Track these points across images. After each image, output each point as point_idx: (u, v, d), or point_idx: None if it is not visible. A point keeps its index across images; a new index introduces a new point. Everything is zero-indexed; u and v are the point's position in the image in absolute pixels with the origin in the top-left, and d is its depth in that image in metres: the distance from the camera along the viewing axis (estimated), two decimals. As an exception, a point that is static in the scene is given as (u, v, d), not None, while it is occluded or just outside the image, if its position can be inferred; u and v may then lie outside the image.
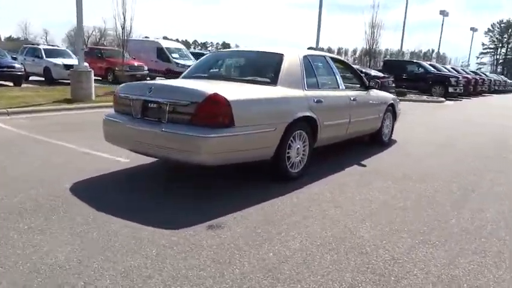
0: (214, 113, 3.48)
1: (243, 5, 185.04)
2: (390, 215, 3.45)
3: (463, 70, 25.78)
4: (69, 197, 3.61)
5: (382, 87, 14.27)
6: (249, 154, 3.75)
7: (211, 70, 4.94)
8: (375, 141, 6.40)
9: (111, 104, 10.79)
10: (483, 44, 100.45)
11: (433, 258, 2.68)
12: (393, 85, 15.16)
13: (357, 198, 3.86)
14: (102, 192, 3.80)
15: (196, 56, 24.26)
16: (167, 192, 3.87)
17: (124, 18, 12.85)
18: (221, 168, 3.85)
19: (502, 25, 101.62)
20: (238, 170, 4.40)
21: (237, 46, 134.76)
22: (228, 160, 3.63)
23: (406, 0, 27.65)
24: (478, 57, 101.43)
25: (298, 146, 4.24)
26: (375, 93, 6.02)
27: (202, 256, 2.59)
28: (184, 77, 4.87)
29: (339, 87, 5.15)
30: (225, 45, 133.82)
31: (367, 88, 5.79)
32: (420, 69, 18.92)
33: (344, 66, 5.41)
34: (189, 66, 21.06)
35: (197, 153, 3.47)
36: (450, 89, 18.27)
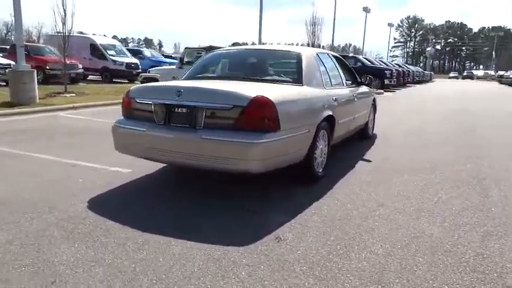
0: (261, 117, 3.26)
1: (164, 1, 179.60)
2: (437, 208, 3.53)
3: (390, 63, 27.63)
4: (96, 218, 3.16)
5: None
6: (287, 158, 3.59)
7: (224, 70, 4.64)
8: (361, 136, 6.55)
9: (63, 106, 9.94)
10: (394, 39, 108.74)
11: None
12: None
13: (391, 194, 3.90)
14: (128, 210, 3.39)
15: (133, 52, 23.03)
16: (201, 203, 3.56)
17: (64, 11, 11.64)
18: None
19: (409, 20, 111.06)
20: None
21: (159, 41, 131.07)
22: (272, 166, 3.43)
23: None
24: (390, 51, 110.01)
25: (321, 146, 4.17)
26: (364, 88, 6.15)
27: (298, 272, 2.41)
28: (192, 78, 4.51)
29: (343, 84, 5.16)
30: (147, 40, 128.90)
31: (358, 84, 5.90)
32: (358, 63, 19.92)
33: (340, 62, 5.44)
34: (128, 63, 20.04)
35: (246, 161, 3.23)
36: (386, 81, 19.55)
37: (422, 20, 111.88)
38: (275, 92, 3.47)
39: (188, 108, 3.44)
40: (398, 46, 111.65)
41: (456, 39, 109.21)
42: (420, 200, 3.75)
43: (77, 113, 9.30)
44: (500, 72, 45.65)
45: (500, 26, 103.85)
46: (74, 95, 11.91)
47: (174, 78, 11.28)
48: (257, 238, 2.86)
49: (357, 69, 19.74)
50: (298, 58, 4.28)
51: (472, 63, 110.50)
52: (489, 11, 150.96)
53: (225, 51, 5.21)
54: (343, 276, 2.39)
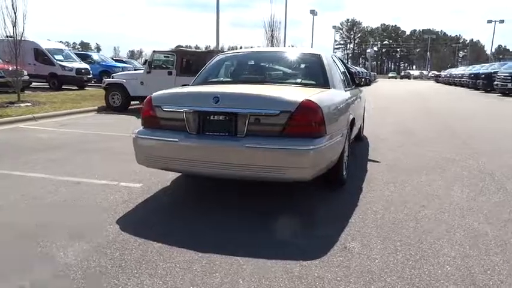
0: (309, 122, 3.12)
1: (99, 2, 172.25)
2: (472, 206, 3.60)
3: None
4: (138, 241, 2.84)
5: None
6: (330, 163, 3.47)
7: (242, 74, 4.41)
8: (356, 137, 6.60)
9: (22, 117, 9.08)
10: (335, 41, 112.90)
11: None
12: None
13: (421, 194, 3.93)
14: (164, 228, 3.09)
15: (80, 57, 21.70)
16: (238, 216, 3.34)
17: (15, 13, 10.61)
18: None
19: (348, 23, 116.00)
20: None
21: (97, 45, 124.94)
22: (319, 173, 3.29)
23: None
24: (334, 53, 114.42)
25: (347, 148, 4.12)
26: (360, 89, 6.22)
27: (390, 282, 2.31)
28: (204, 83, 4.24)
29: (350, 85, 5.15)
30: (83, 44, 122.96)
31: (357, 85, 5.94)
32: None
33: (341, 63, 5.43)
34: (78, 69, 18.87)
35: (297, 169, 3.07)
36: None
37: (360, 23, 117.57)
38: (317, 96, 3.35)
39: (227, 115, 3.21)
40: (339, 48, 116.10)
41: (391, 41, 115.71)
42: (452, 199, 3.80)
43: (40, 124, 8.52)
44: (436, 72, 49.00)
45: (430, 29, 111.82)
46: (29, 104, 10.92)
47: (142, 84, 10.78)
48: (324, 249, 2.73)
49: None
50: (320, 60, 4.19)
51: (406, 64, 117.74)
52: (418, 15, 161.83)
53: (238, 54, 4.98)
54: (437, 282, 2.32)
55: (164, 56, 11.33)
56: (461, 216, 3.36)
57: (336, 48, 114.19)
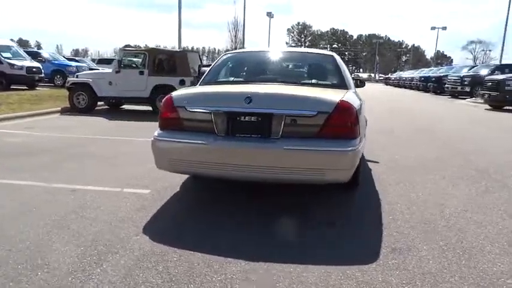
0: (346, 123, 3.06)
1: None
2: (488, 203, 3.72)
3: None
4: (175, 252, 2.64)
5: None
6: (358, 164, 3.44)
7: (258, 74, 4.23)
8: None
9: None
10: (287, 43, 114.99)
11: None
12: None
13: (435, 193, 4.01)
14: (195, 237, 2.90)
15: (30, 55, 20.26)
16: (263, 220, 3.21)
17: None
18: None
19: (299, 27, 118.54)
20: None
21: (37, 43, 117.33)
22: (352, 175, 3.24)
23: (244, 2, 29.48)
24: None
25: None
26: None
27: (458, 283, 2.31)
28: (213, 83, 4.05)
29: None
30: (22, 42, 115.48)
31: (357, 86, 5.98)
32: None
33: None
34: (28, 67, 17.67)
35: (336, 170, 3.00)
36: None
37: (311, 27, 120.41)
38: (347, 96, 3.29)
39: (260, 116, 3.07)
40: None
41: (340, 45, 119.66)
42: (465, 197, 3.92)
43: (3, 127, 7.81)
44: (384, 75, 51.23)
45: (375, 34, 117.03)
46: (-18, 105, 9.99)
47: (110, 84, 10.24)
48: (374, 252, 2.68)
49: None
50: (335, 60, 4.16)
51: (354, 67, 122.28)
52: (364, 20, 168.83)
53: (249, 53, 4.78)
54: (498, 280, 2.35)
55: (134, 55, 10.84)
56: (484, 213, 3.46)
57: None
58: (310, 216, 3.35)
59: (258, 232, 2.99)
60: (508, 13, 27.35)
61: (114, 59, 28.97)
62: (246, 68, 4.36)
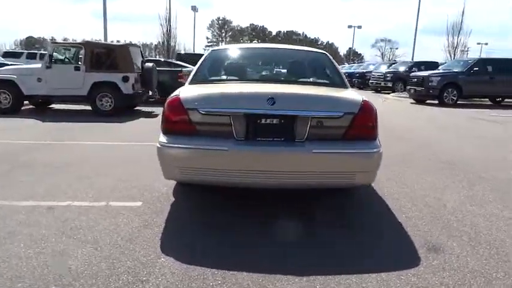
0: (370, 124, 2.99)
1: None
2: (479, 195, 3.94)
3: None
4: (221, 275, 2.37)
5: None
6: None
7: (257, 72, 3.96)
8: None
9: None
10: (207, 38, 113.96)
11: None
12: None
13: (428, 189, 4.15)
14: (225, 253, 2.65)
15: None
16: (278, 229, 3.06)
17: None
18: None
19: (219, 22, 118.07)
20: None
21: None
22: None
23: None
24: (204, 50, 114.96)
25: None
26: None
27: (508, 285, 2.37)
28: (205, 81, 3.73)
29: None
30: None
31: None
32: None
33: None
34: None
35: (365, 173, 2.93)
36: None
37: (231, 22, 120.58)
38: (362, 96, 3.23)
39: (283, 119, 2.88)
40: (211, 45, 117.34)
41: (259, 41, 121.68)
42: (457, 190, 4.11)
43: None
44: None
45: (293, 31, 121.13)
46: None
47: (39, 81, 9.15)
48: (411, 255, 2.67)
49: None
50: (330, 59, 4.07)
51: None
52: (282, 17, 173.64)
53: (241, 49, 4.42)
54: (541, 274, 2.46)
55: (67, 49, 9.79)
56: (480, 205, 3.66)
57: (208, 46, 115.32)
58: (322, 220, 3.25)
59: (285, 242, 2.81)
60: (417, 16, 30.04)
61: (24, 52, 26.26)
62: (242, 66, 4.08)
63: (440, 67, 17.03)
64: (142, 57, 10.51)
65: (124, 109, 9.51)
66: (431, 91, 13.97)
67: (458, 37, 25.18)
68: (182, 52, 23.50)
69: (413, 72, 17.28)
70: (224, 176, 2.88)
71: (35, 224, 3.01)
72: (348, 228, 3.11)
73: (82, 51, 9.21)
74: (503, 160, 5.56)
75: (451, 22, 30.45)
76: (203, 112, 2.89)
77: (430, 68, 18.59)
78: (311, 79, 3.87)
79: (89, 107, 9.47)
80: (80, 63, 9.26)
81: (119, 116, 9.01)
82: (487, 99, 15.77)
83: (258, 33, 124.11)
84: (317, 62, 4.16)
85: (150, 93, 10.56)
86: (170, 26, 19.54)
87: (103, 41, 18.82)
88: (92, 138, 6.50)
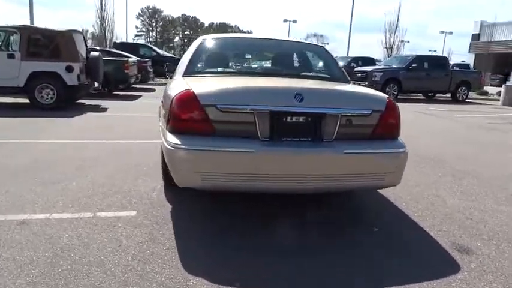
0: (395, 122, 2.85)
1: None
2: (478, 191, 4.04)
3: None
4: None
5: (143, 70, 13.82)
6: None
7: (257, 64, 3.61)
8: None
9: None
10: (137, 27, 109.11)
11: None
12: (151, 70, 14.89)
13: (422, 185, 4.18)
14: (254, 268, 2.37)
15: None
16: (293, 237, 2.85)
17: None
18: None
19: (150, 11, 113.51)
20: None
21: None
22: None
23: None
24: (134, 39, 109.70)
25: None
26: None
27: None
28: (199, 73, 3.35)
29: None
30: None
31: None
32: (153, 52, 18.97)
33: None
34: None
35: (395, 173, 2.78)
36: (182, 72, 19.66)
37: (161, 11, 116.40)
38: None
39: (311, 116, 2.64)
40: (141, 35, 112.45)
41: (192, 32, 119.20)
42: (449, 186, 4.19)
43: None
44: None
45: (225, 23, 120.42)
46: None
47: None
48: (444, 257, 2.61)
49: (154, 59, 19.05)
50: (328, 52, 3.89)
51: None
52: (213, 8, 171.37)
53: (234, 39, 4.02)
54: None
55: (-2, 33, 8.53)
56: (477, 201, 3.74)
57: (138, 35, 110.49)
58: (341, 228, 3.09)
59: (315, 253, 2.59)
60: (352, 12, 31.25)
61: None
62: (241, 58, 3.74)
63: (382, 62, 17.86)
64: (86, 45, 9.56)
65: (66, 102, 8.57)
66: (374, 86, 14.54)
67: (394, 34, 26.75)
68: (117, 41, 22.01)
69: (351, 66, 17.94)
70: (250, 181, 2.57)
71: (13, 245, 2.47)
72: (368, 233, 2.97)
73: (17, 37, 8.09)
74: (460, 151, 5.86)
75: (388, 21, 32.01)
76: (223, 109, 2.54)
77: (366, 63, 19.46)
78: (312, 73, 3.65)
79: (26, 100, 8.37)
80: (13, 50, 8.14)
81: (64, 110, 8.10)
82: (421, 94, 16.87)
83: (190, 24, 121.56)
84: (317, 55, 3.96)
85: (96, 85, 9.66)
86: (104, 12, 18.14)
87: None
88: (43, 136, 5.71)
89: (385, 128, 2.80)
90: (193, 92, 2.59)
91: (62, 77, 8.15)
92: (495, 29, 29.75)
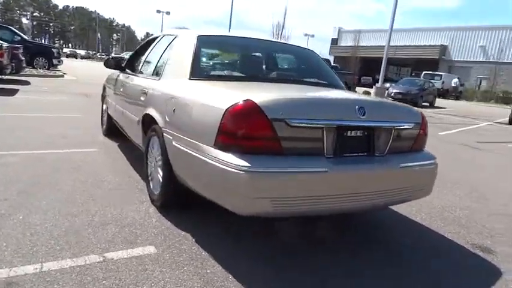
0: (426, 134, 2.92)
1: None
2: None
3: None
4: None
5: (15, 59, 11.74)
6: None
7: (259, 69, 3.15)
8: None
9: None
10: None
11: None
12: (23, 58, 12.62)
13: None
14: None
15: None
16: (320, 254, 2.74)
17: None
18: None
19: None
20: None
21: None
22: None
23: None
24: None
25: None
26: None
27: None
28: (205, 77, 2.91)
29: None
30: None
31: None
32: (16, 37, 15.81)
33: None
34: None
35: (431, 185, 2.84)
36: (54, 61, 17.16)
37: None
38: None
39: (367, 130, 2.51)
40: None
41: (43, 14, 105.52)
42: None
43: None
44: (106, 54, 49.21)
45: (83, 7, 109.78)
46: None
47: None
48: (467, 257, 2.78)
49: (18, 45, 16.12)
50: (319, 58, 3.76)
51: (62, 41, 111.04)
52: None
53: (235, 40, 3.42)
54: None
55: None
56: (476, 201, 4.11)
57: None
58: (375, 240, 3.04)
59: (345, 262, 2.49)
60: (231, 11, 31.73)
61: None
62: (245, 61, 3.29)
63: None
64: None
65: None
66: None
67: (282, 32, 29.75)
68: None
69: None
70: (322, 204, 2.30)
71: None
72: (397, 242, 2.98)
73: None
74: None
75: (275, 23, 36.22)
76: (293, 125, 2.22)
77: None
78: (314, 79, 3.51)
79: None
80: None
81: None
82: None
83: (40, 5, 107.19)
84: (314, 61, 3.78)
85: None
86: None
87: None
88: None
89: (421, 141, 2.84)
90: (255, 104, 2.19)
91: None
92: (361, 35, 35.45)
